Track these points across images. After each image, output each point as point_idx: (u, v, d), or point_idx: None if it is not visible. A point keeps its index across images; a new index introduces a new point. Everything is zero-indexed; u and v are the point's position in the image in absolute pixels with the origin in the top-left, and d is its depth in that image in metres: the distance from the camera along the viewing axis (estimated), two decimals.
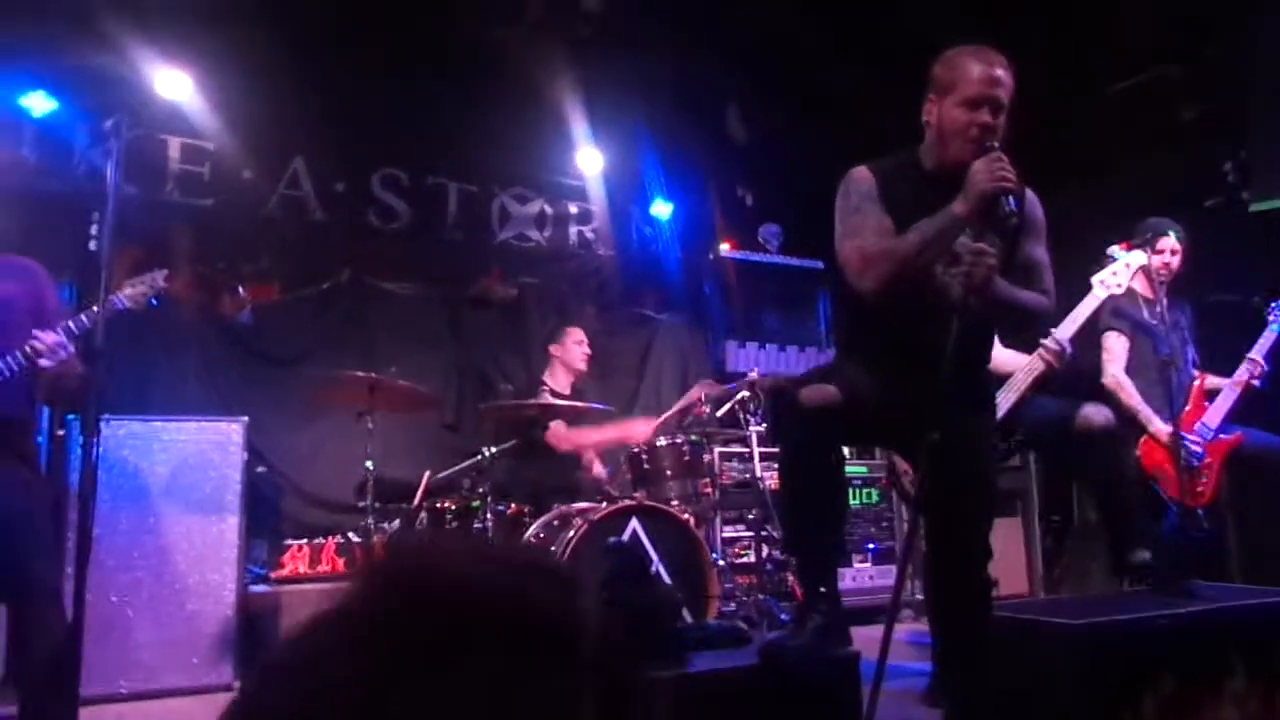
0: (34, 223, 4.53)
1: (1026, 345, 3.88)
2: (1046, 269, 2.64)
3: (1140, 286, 4.21)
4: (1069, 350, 3.76)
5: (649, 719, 0.61)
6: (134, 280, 2.95)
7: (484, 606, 0.57)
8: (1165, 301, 4.13)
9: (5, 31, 4.50)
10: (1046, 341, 3.73)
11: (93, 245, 2.63)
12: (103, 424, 3.39)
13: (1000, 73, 2.42)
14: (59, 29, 4.60)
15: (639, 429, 4.85)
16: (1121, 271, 3.86)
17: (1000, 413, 3.66)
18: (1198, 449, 3.96)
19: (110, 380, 3.33)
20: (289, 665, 0.57)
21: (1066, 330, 3.77)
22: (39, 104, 4.78)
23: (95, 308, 2.79)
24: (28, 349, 2.64)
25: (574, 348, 5.03)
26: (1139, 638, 2.70)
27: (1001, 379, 3.71)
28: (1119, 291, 3.85)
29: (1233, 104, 4.78)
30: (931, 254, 2.39)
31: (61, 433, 3.96)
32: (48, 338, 2.63)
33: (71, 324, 2.74)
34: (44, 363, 2.64)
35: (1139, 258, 3.90)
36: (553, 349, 5.09)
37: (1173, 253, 4.11)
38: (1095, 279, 3.88)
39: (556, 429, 4.71)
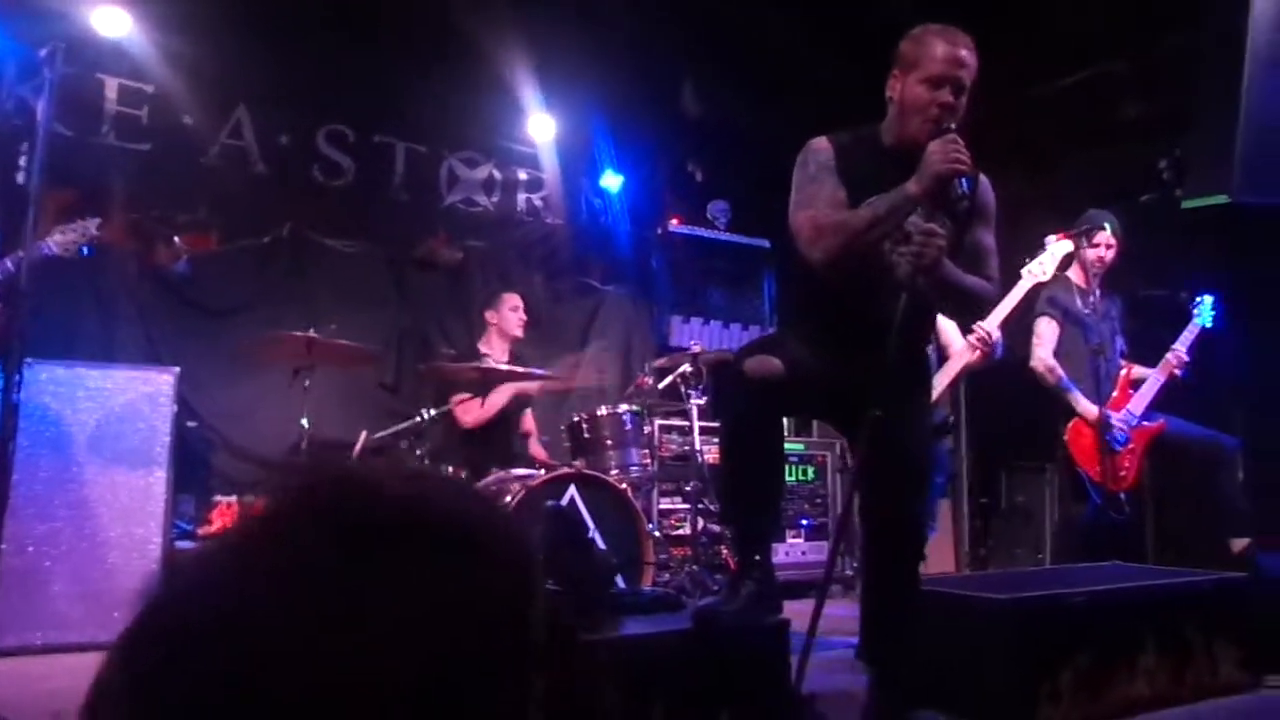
0: None
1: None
2: (993, 255, 2.68)
3: (1075, 276, 4.33)
4: (997, 340, 3.87)
5: (590, 659, 0.59)
6: (64, 226, 2.86)
7: (430, 513, 0.55)
8: (1098, 293, 4.25)
9: None
10: (976, 331, 3.85)
11: (20, 179, 2.52)
12: (25, 368, 3.30)
13: (965, 53, 2.44)
14: None
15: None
16: (1048, 260, 4.01)
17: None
18: (1122, 433, 4.10)
19: (36, 323, 3.24)
20: (213, 566, 0.54)
21: (994, 319, 3.89)
22: None
23: (19, 252, 2.68)
24: None
25: (509, 314, 4.98)
26: (1060, 613, 2.78)
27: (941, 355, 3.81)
28: (1044, 279, 3.99)
29: (1174, 102, 4.90)
30: (882, 231, 2.41)
31: None
32: None
33: None
34: None
35: (1065, 246, 4.04)
36: (488, 315, 5.03)
37: (1107, 246, 4.23)
38: (1024, 269, 4.00)
39: (465, 405, 4.61)
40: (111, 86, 5.08)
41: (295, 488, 0.56)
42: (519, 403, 4.95)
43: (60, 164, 4.14)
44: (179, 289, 5.05)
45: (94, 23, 4.73)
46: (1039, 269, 4.02)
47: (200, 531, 4.31)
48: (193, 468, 4.53)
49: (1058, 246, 4.07)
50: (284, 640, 0.47)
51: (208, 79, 5.20)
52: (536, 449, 5.05)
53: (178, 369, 4.07)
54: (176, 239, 4.91)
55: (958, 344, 3.98)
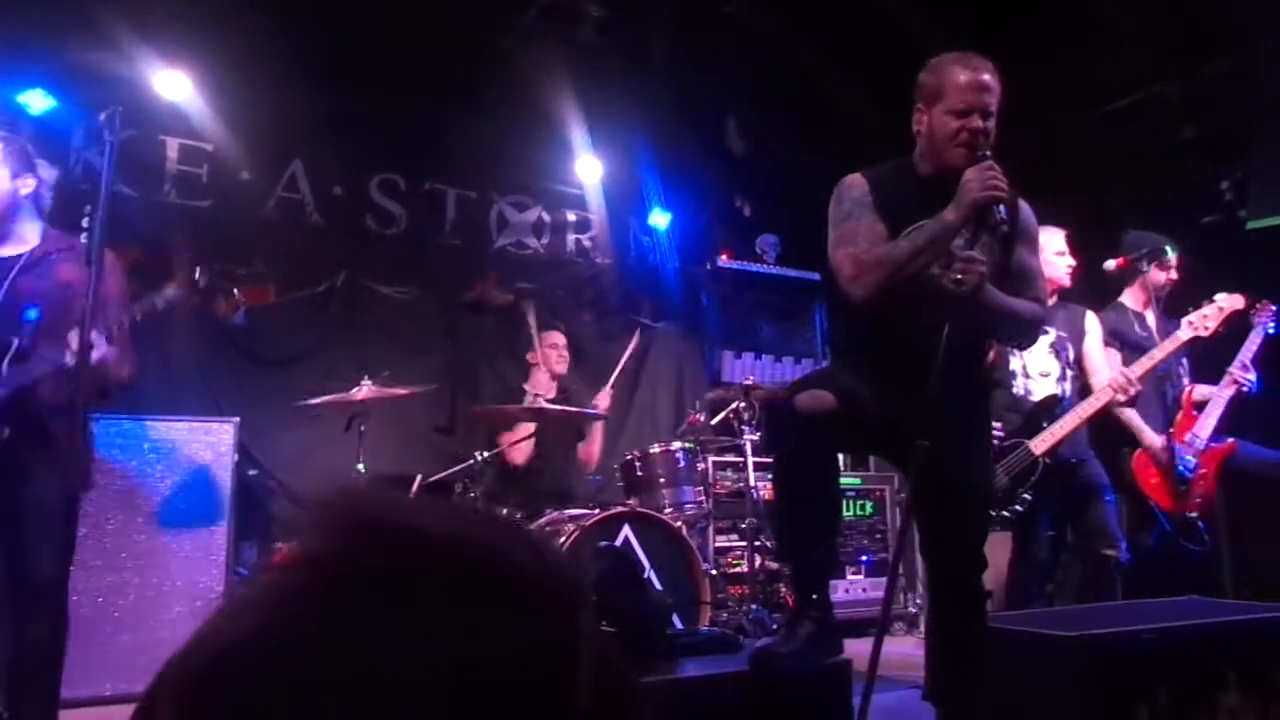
0: None
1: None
2: (1039, 277, 2.67)
3: (1131, 302, 4.21)
4: (1138, 389, 3.74)
5: (639, 702, 0.58)
6: (157, 295, 3.02)
7: (473, 557, 0.55)
8: (1159, 317, 4.12)
9: (5, 28, 4.49)
10: (1116, 377, 3.72)
11: (83, 239, 2.60)
12: (94, 422, 3.39)
13: (987, 78, 2.44)
14: (59, 27, 4.61)
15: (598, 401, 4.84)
16: (1213, 314, 3.81)
17: (1053, 439, 3.68)
18: (1190, 459, 3.95)
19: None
20: (252, 607, 0.54)
21: (1142, 367, 3.76)
22: (37, 102, 4.76)
23: (144, 300, 2.96)
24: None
25: (549, 352, 5.01)
26: (1133, 650, 2.68)
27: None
28: (1205, 334, 3.80)
29: (1231, 123, 4.80)
30: (923, 261, 2.40)
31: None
32: (74, 340, 2.59)
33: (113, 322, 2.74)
34: (69, 360, 2.62)
35: (1234, 301, 3.83)
36: (530, 357, 5.08)
37: (1175, 268, 4.11)
38: (1185, 319, 3.83)
39: (509, 439, 4.64)
40: (173, 146, 5.27)
41: (337, 529, 0.56)
42: (569, 439, 4.96)
43: (125, 223, 4.31)
44: (237, 340, 5.18)
45: (156, 86, 4.91)
46: (1201, 321, 3.81)
47: None
48: (254, 515, 4.60)
49: (1224, 300, 3.83)
50: (320, 688, 0.47)
51: (263, 135, 5.37)
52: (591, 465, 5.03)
53: (238, 419, 4.16)
54: (235, 291, 5.03)
55: (1100, 382, 3.84)
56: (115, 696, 3.64)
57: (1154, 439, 3.98)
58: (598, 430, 5.09)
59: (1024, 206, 2.60)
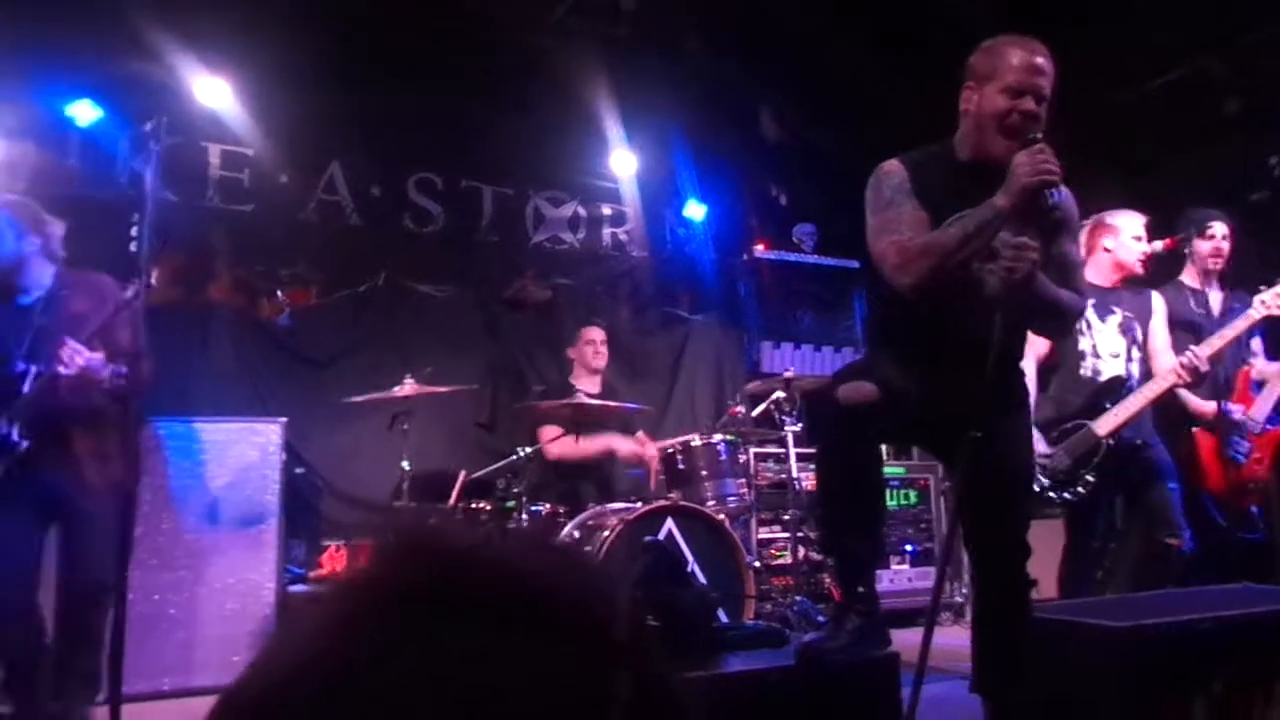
0: (79, 230, 4.64)
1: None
2: (1079, 267, 2.64)
3: (1187, 278, 4.10)
4: (1206, 369, 3.64)
5: (682, 716, 0.59)
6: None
7: (516, 585, 0.56)
8: (1220, 294, 3.99)
9: (52, 42, 4.60)
10: (1184, 358, 3.63)
11: (133, 247, 2.67)
12: (146, 426, 3.48)
13: (1042, 61, 2.39)
14: (103, 39, 4.69)
15: (636, 448, 4.85)
16: None
17: (1117, 421, 3.60)
18: (1244, 443, 3.84)
19: (154, 382, 3.42)
20: (306, 633, 0.56)
21: (1211, 347, 3.65)
22: (84, 113, 4.87)
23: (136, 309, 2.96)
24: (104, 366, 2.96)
25: (585, 349, 5.04)
26: (1186, 640, 2.64)
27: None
28: (1279, 313, 3.69)
29: (1274, 95, 4.67)
30: (973, 248, 2.35)
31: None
32: (66, 351, 2.90)
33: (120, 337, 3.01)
34: (61, 369, 2.90)
35: None
36: (570, 352, 5.10)
37: (1224, 238, 3.99)
38: (1257, 298, 3.72)
39: (548, 434, 4.68)
40: (215, 152, 5.36)
41: (390, 555, 0.57)
42: (611, 432, 4.98)
43: (170, 229, 4.40)
44: (282, 341, 5.27)
45: (197, 94, 5.00)
46: (1274, 300, 3.68)
47: (311, 575, 4.44)
48: (302, 513, 4.68)
49: None
50: (374, 713, 0.49)
51: (302, 138, 5.44)
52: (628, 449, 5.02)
53: (284, 420, 4.23)
54: (279, 293, 5.13)
55: (1164, 366, 3.75)
56: (172, 691, 3.75)
57: (1204, 405, 3.85)
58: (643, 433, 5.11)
59: (1066, 194, 2.52)
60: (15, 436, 2.93)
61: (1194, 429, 3.93)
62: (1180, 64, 5.20)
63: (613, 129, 6.00)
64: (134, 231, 2.51)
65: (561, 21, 5.47)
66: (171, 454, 3.95)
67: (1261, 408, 3.88)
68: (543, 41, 5.53)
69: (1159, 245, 4.06)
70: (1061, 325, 2.75)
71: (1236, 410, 3.86)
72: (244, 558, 4.00)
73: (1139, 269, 3.88)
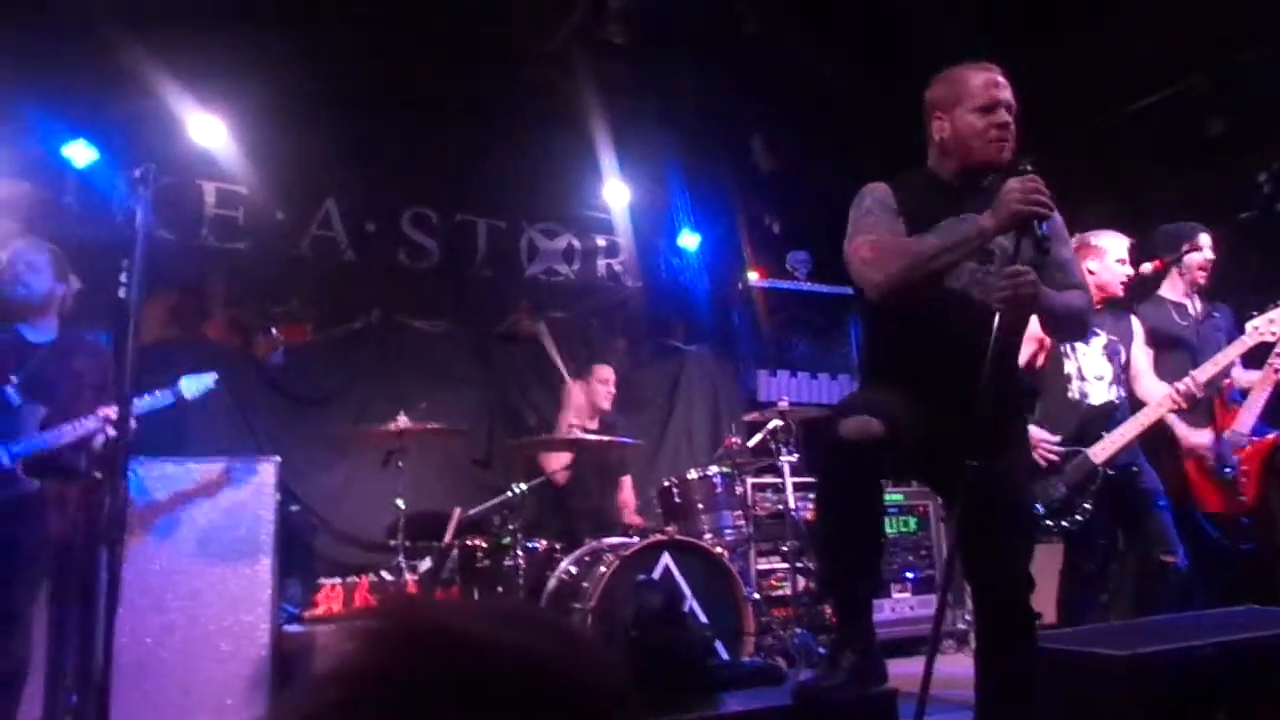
0: (77, 270, 4.67)
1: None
2: (1075, 263, 2.66)
3: (1169, 292, 4.09)
4: (1202, 395, 3.64)
5: None
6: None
7: (496, 664, 0.56)
8: (1200, 306, 4.00)
9: (49, 83, 4.63)
10: (1180, 384, 3.62)
11: (122, 293, 2.68)
12: (138, 465, 3.48)
13: (999, 76, 2.46)
14: (99, 80, 4.73)
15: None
16: (1278, 319, 3.70)
17: (1114, 448, 3.60)
18: (1232, 456, 3.83)
19: (143, 422, 3.43)
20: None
21: (1206, 373, 3.64)
22: (80, 154, 4.89)
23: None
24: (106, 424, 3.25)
25: (599, 387, 5.05)
26: (1191, 667, 2.60)
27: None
28: (1272, 338, 3.69)
29: (1260, 115, 4.70)
30: (947, 261, 2.35)
31: (99, 475, 4.00)
32: (110, 411, 3.21)
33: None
34: (110, 431, 3.19)
35: None
36: (580, 385, 5.08)
37: (1211, 249, 3.99)
38: (1249, 324, 3.73)
39: (557, 465, 4.71)
40: (210, 190, 5.38)
41: (388, 640, 0.59)
42: (609, 468, 4.96)
43: (165, 267, 4.41)
44: (276, 379, 5.25)
45: (191, 133, 5.02)
46: (1267, 327, 3.69)
47: (306, 614, 4.40)
48: (296, 552, 4.65)
49: None
50: None
51: (296, 175, 5.47)
52: (633, 518, 5.03)
53: (279, 458, 4.21)
54: (273, 331, 5.12)
55: (1156, 395, 3.74)
56: None
57: (1197, 438, 3.86)
58: (627, 481, 5.11)
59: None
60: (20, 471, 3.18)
61: (1180, 454, 3.92)
62: (1167, 84, 5.23)
63: (606, 160, 6.03)
64: (123, 278, 2.50)
65: (553, 55, 5.51)
66: (164, 494, 3.93)
67: (1245, 419, 3.85)
68: (534, 74, 5.58)
69: (1147, 268, 4.06)
70: (1078, 325, 2.73)
71: (1224, 435, 3.86)
72: (238, 598, 3.96)
73: (1120, 291, 3.89)
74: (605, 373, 5.11)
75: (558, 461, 4.71)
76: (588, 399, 5.03)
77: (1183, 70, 5.10)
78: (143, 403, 3.37)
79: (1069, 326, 2.69)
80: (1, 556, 3.19)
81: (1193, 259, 3.99)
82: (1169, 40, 4.91)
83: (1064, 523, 3.60)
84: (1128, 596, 3.79)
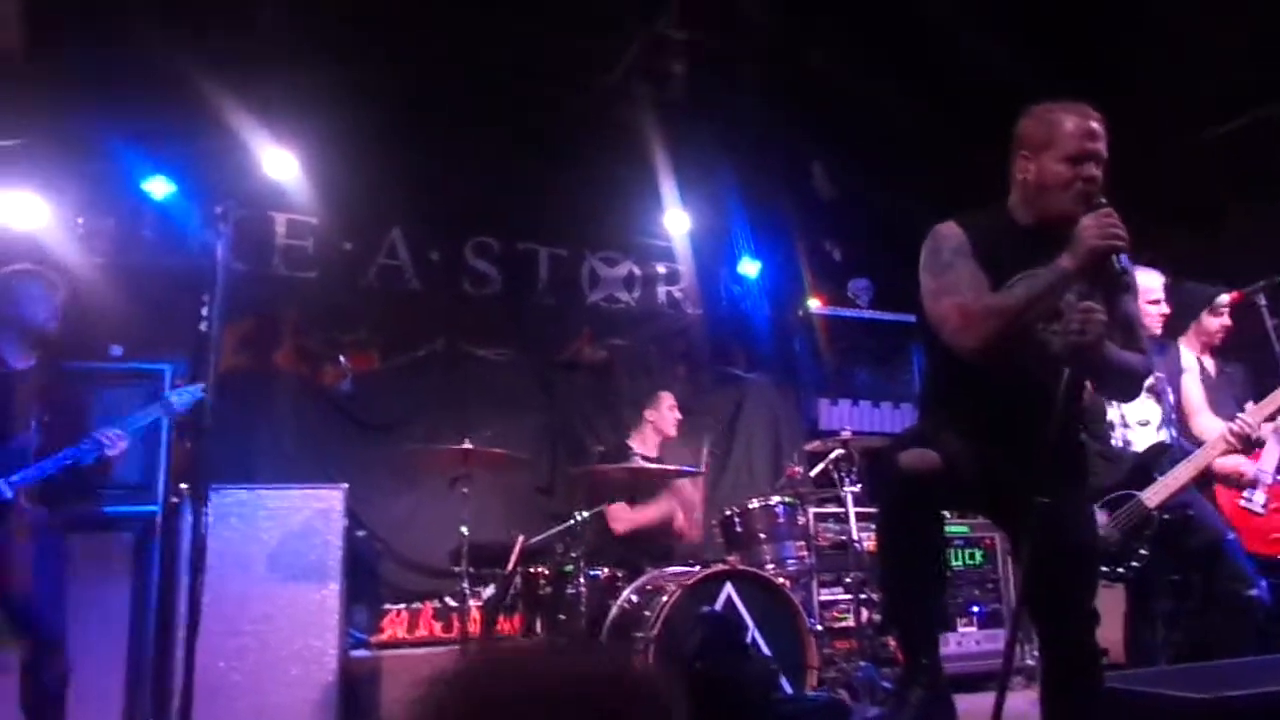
0: (155, 298, 4.85)
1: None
2: (1141, 326, 2.62)
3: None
4: (1258, 434, 3.55)
5: None
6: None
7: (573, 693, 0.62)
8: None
9: (129, 120, 4.83)
10: (1235, 424, 3.54)
11: (203, 326, 2.78)
12: (212, 493, 3.57)
13: (1097, 125, 2.40)
14: (176, 116, 4.91)
15: (680, 517, 4.87)
16: None
17: (1167, 492, 3.52)
18: (1261, 494, 3.70)
19: (221, 450, 3.53)
20: None
21: (1260, 412, 3.56)
22: (159, 188, 5.10)
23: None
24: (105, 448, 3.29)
25: (668, 413, 5.08)
26: (1269, 713, 2.51)
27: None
28: None
29: None
30: (1038, 310, 2.34)
31: (175, 500, 4.12)
32: (109, 436, 3.27)
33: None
34: (110, 452, 3.27)
35: None
36: (647, 413, 5.12)
37: (1229, 314, 3.94)
38: None
39: (616, 511, 4.70)
40: (281, 222, 5.54)
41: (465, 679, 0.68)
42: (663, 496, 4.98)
43: (238, 296, 4.55)
44: (344, 407, 5.37)
45: (265, 167, 5.18)
46: None
47: (373, 640, 4.47)
48: (363, 578, 4.72)
49: None
50: None
51: (364, 206, 5.61)
52: (693, 533, 5.03)
53: (346, 485, 4.30)
54: (341, 359, 5.24)
55: (1211, 432, 3.67)
56: None
57: (1229, 464, 3.70)
58: (696, 502, 5.11)
59: (1125, 257, 2.51)
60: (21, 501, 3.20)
61: (1215, 486, 3.82)
62: (1245, 112, 5.10)
63: (666, 188, 6.07)
64: (204, 311, 2.60)
65: (615, 84, 5.58)
66: (237, 521, 4.04)
67: (1269, 460, 3.75)
68: (595, 104, 5.65)
69: (1226, 298, 3.97)
70: (1131, 387, 2.71)
71: (1248, 465, 3.75)
72: (307, 623, 4.04)
73: (1158, 329, 3.83)
74: (670, 399, 5.14)
75: (624, 508, 4.73)
76: (655, 426, 5.05)
77: (1262, 97, 4.97)
78: (134, 419, 3.40)
79: (1122, 385, 2.67)
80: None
81: (1211, 323, 3.97)
82: (1248, 67, 4.79)
83: (1120, 569, 3.53)
84: (1206, 634, 3.68)
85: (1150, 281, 3.78)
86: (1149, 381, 3.69)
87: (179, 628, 3.80)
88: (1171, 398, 3.77)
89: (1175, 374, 3.82)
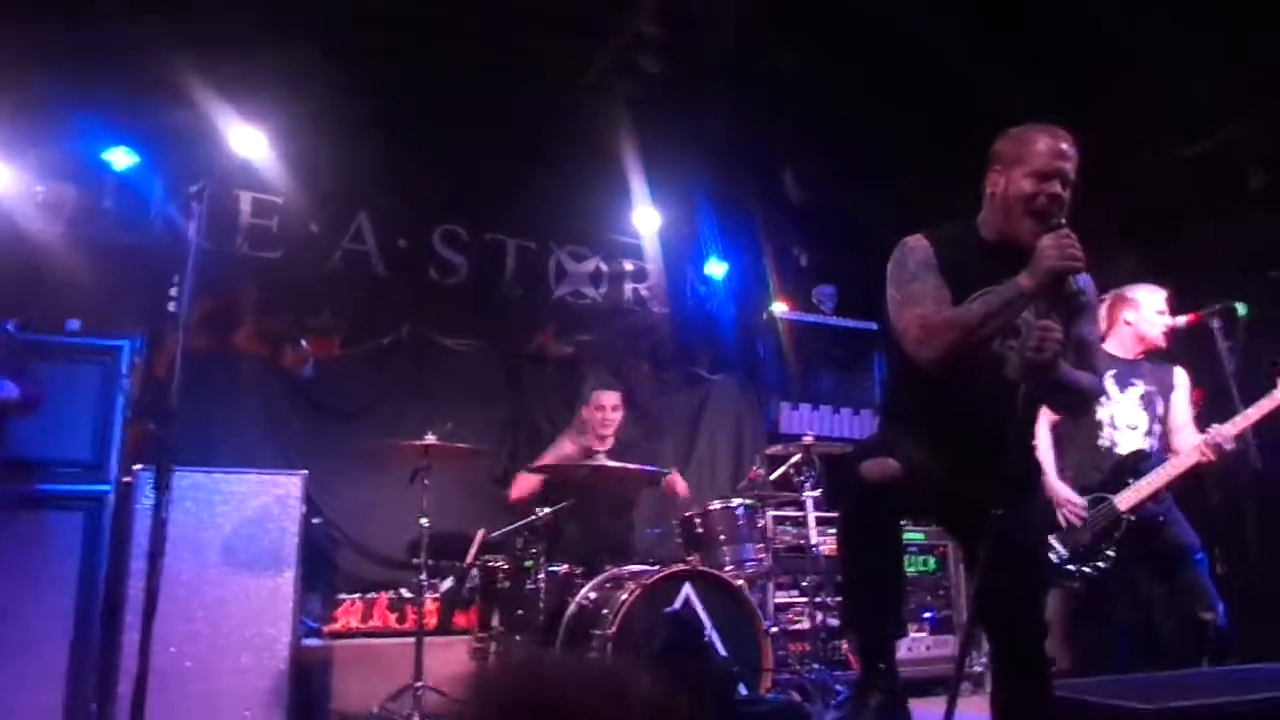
0: (113, 272, 4.74)
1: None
2: (1097, 348, 2.69)
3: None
4: (1229, 449, 3.61)
5: None
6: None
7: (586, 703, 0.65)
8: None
9: (92, 89, 4.71)
10: (1208, 435, 3.61)
11: (172, 306, 2.73)
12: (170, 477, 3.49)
13: (1067, 147, 2.47)
14: (141, 87, 4.80)
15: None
16: None
17: (1138, 497, 3.60)
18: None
19: (178, 431, 3.45)
20: None
21: (1233, 427, 3.61)
22: (120, 159, 4.96)
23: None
24: None
25: (595, 413, 4.95)
26: None
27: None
28: None
29: None
30: (995, 326, 2.39)
31: (128, 480, 4.03)
32: None
33: None
34: None
35: None
36: (583, 410, 5.07)
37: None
38: None
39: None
40: (246, 200, 5.43)
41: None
42: (627, 494, 4.97)
43: (200, 274, 4.45)
44: (305, 392, 5.29)
45: (231, 142, 5.08)
46: None
47: (326, 629, 4.42)
48: (318, 566, 4.67)
49: None
50: None
51: (331, 187, 5.52)
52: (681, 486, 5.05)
53: (306, 472, 4.24)
54: (304, 343, 5.16)
55: (1186, 442, 3.74)
56: None
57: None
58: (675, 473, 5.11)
59: (1085, 277, 2.56)
60: None
61: None
62: (1207, 135, 5.23)
63: (637, 185, 6.07)
64: (174, 291, 2.55)
65: (589, 81, 5.57)
66: (193, 505, 3.96)
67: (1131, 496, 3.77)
68: (569, 98, 5.63)
69: (1182, 320, 4.05)
70: (1080, 405, 2.79)
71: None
72: (261, 610, 3.99)
73: (1162, 342, 3.89)
74: (604, 397, 4.99)
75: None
76: (591, 424, 4.96)
77: (1224, 119, 5.10)
78: None
79: (1072, 403, 2.74)
80: None
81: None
82: (1214, 89, 4.91)
83: (1085, 568, 3.61)
84: (1161, 648, 3.76)
85: (1152, 295, 3.86)
86: (1139, 389, 3.79)
87: (128, 612, 3.73)
88: (1160, 409, 3.84)
89: (1168, 388, 3.88)
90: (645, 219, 6.26)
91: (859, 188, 6.30)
